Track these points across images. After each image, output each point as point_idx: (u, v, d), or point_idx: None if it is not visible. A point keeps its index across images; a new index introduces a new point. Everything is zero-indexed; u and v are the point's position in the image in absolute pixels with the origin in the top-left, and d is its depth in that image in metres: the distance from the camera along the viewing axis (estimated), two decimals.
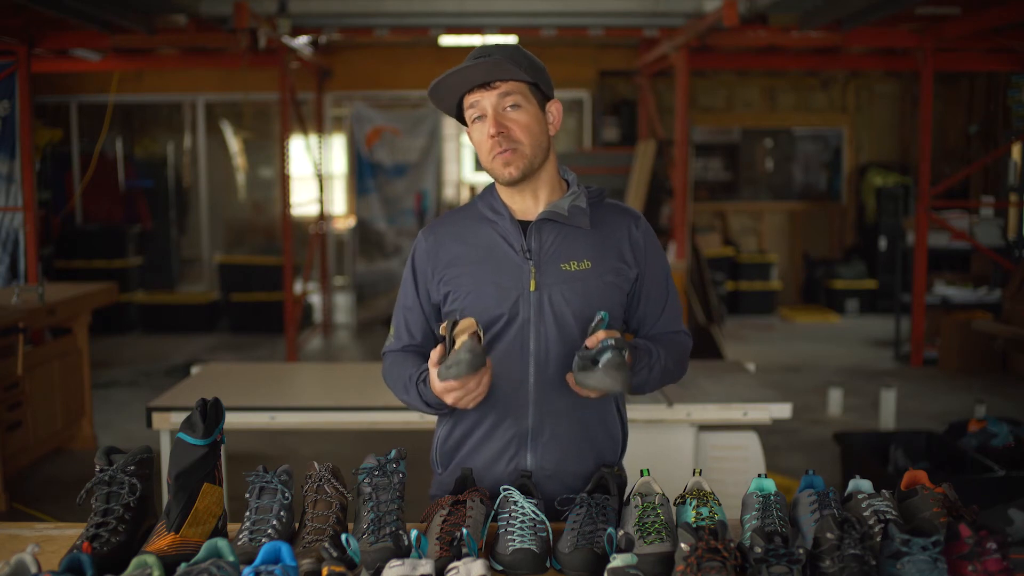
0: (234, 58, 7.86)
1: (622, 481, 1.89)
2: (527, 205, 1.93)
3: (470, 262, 1.91)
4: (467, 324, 1.76)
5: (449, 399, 1.76)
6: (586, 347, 1.77)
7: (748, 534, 1.60)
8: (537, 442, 1.90)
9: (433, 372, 1.77)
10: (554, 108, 1.91)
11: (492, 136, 1.83)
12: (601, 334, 1.75)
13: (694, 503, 1.69)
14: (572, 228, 1.92)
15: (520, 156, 1.85)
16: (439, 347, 1.77)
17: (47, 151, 9.64)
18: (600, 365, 1.71)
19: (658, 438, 3.37)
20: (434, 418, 1.96)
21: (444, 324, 1.77)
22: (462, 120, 1.92)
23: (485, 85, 1.83)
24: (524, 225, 1.92)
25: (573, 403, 1.88)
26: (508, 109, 1.84)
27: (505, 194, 1.94)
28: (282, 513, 1.62)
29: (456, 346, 1.72)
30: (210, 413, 1.64)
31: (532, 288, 1.88)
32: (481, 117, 1.86)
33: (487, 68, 1.80)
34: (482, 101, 1.84)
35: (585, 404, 1.88)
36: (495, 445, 1.91)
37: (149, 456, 1.66)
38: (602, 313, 1.80)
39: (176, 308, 9.66)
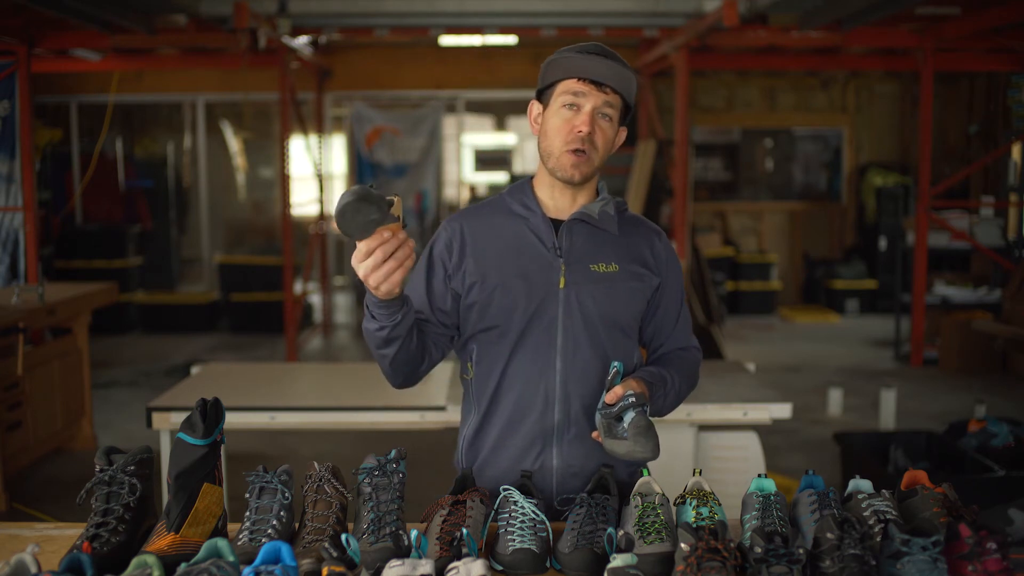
0: (234, 58, 7.86)
1: None
2: (563, 204, 1.94)
3: (498, 256, 1.91)
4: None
5: (370, 263, 1.56)
6: (606, 403, 1.78)
7: (748, 534, 1.60)
8: (563, 439, 1.91)
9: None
10: (621, 133, 1.94)
11: (582, 133, 1.84)
12: (619, 389, 1.76)
13: (694, 503, 1.69)
14: (601, 231, 1.94)
15: (589, 164, 1.87)
16: None
17: (47, 151, 9.64)
18: (626, 425, 1.72)
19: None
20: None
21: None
22: (539, 93, 1.92)
23: (599, 84, 1.83)
24: (554, 224, 1.93)
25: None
26: (603, 117, 1.86)
27: (544, 191, 1.95)
28: (282, 513, 1.62)
29: None
30: (210, 413, 1.64)
31: (561, 285, 1.89)
32: (574, 107, 1.85)
33: (618, 75, 1.81)
34: (588, 95, 1.84)
35: None
36: (521, 443, 1.92)
37: (149, 456, 1.66)
38: (616, 364, 1.82)
39: (176, 308, 9.65)
